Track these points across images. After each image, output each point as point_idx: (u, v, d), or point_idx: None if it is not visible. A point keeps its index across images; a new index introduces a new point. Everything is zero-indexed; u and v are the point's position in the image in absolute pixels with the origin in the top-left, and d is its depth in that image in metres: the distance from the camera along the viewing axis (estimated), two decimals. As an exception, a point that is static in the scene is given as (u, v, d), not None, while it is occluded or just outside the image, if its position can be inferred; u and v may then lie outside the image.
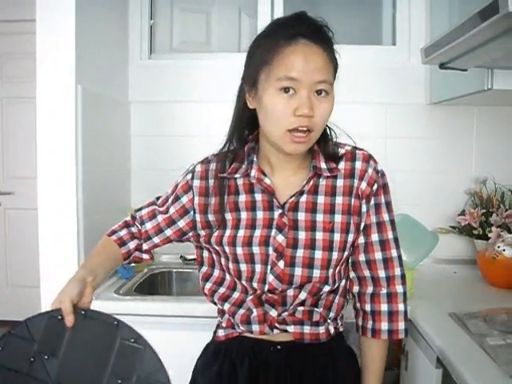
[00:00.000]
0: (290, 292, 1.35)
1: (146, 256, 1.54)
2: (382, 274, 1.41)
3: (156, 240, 1.50)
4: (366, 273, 1.42)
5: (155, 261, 2.56)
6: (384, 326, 1.42)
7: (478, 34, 1.42)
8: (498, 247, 2.24)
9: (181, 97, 2.73)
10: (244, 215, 1.36)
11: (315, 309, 1.39)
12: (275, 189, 1.35)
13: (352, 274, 1.45)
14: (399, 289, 1.42)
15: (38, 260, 2.09)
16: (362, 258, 1.42)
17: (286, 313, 1.37)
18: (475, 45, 1.52)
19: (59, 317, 1.16)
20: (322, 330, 1.40)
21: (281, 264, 1.32)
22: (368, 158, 1.38)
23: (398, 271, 1.42)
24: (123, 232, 1.51)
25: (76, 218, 2.08)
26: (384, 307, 1.42)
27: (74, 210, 2.07)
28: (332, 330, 1.43)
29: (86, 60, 2.11)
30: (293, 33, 1.22)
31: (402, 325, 1.42)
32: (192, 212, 1.42)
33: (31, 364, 1.15)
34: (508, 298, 2.11)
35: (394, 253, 1.42)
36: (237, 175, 1.37)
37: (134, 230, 1.52)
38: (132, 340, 1.17)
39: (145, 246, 1.51)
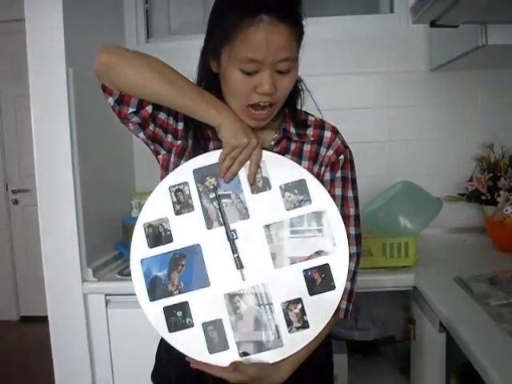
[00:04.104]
0: None
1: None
2: None
3: None
4: None
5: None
6: None
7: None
8: (506, 211, 2.22)
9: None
10: None
11: None
12: None
13: None
14: (350, 266, 1.30)
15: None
16: None
17: None
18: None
19: None
20: None
21: None
22: (336, 130, 1.35)
23: (353, 249, 1.32)
24: None
25: (74, 207, 2.07)
26: None
27: (72, 200, 2.07)
28: None
29: (78, 44, 2.09)
30: (256, 5, 1.14)
31: (343, 303, 1.32)
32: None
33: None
34: (516, 261, 2.08)
35: (351, 230, 1.33)
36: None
37: None
38: None
39: None
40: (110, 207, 2.46)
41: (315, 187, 1.22)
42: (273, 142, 1.31)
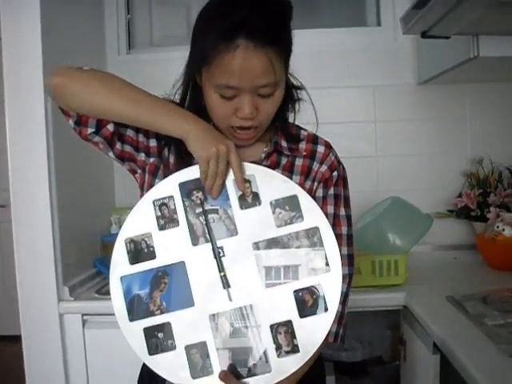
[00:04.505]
0: None
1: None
2: None
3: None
4: None
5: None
6: None
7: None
8: (498, 227, 2.17)
9: (162, 91, 2.64)
10: None
11: None
12: None
13: None
14: (342, 288, 1.22)
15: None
16: None
17: None
18: (449, 7, 1.45)
19: None
20: None
21: None
22: (329, 145, 1.31)
23: (345, 270, 1.27)
24: None
25: (51, 223, 2.01)
26: None
27: (48, 215, 2.01)
28: None
29: (56, 56, 2.01)
30: (234, 28, 1.06)
31: (334, 327, 1.27)
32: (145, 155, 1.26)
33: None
34: (508, 279, 2.03)
35: (343, 250, 1.28)
36: None
37: None
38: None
39: None
40: (89, 223, 2.38)
41: (307, 203, 1.16)
42: (263, 155, 1.26)
